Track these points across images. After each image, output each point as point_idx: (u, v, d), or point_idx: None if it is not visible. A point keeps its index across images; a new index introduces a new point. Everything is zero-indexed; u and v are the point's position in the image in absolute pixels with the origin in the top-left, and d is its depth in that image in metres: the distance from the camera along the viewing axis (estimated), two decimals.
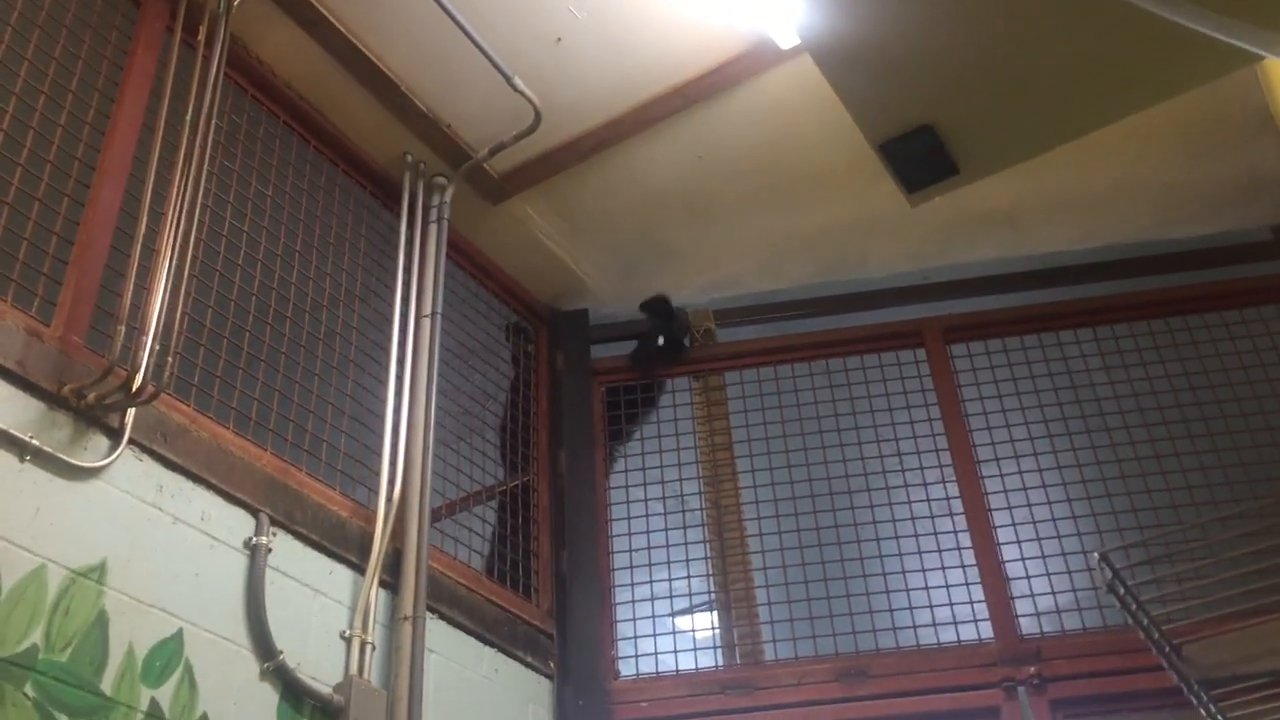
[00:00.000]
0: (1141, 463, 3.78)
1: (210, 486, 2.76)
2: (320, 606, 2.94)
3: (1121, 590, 2.16)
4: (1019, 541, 3.76)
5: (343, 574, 3.06)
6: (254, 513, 2.85)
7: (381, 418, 3.36)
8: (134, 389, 2.49)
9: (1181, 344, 4.00)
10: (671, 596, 3.89)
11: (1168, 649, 2.27)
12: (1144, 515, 3.67)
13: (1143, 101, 1.86)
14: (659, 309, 4.28)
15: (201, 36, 3.06)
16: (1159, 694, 3.30)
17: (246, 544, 2.80)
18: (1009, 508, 3.82)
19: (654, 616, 3.86)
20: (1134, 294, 4.15)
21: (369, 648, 2.99)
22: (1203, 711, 2.37)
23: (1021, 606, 3.64)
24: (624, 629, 3.88)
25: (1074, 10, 1.67)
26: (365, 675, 2.94)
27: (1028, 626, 3.61)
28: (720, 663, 3.80)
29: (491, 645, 3.48)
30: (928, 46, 1.73)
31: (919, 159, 1.93)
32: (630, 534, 4.02)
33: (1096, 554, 2.11)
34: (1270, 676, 2.22)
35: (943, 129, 1.85)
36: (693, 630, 3.91)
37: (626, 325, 4.46)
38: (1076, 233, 4.22)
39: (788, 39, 3.41)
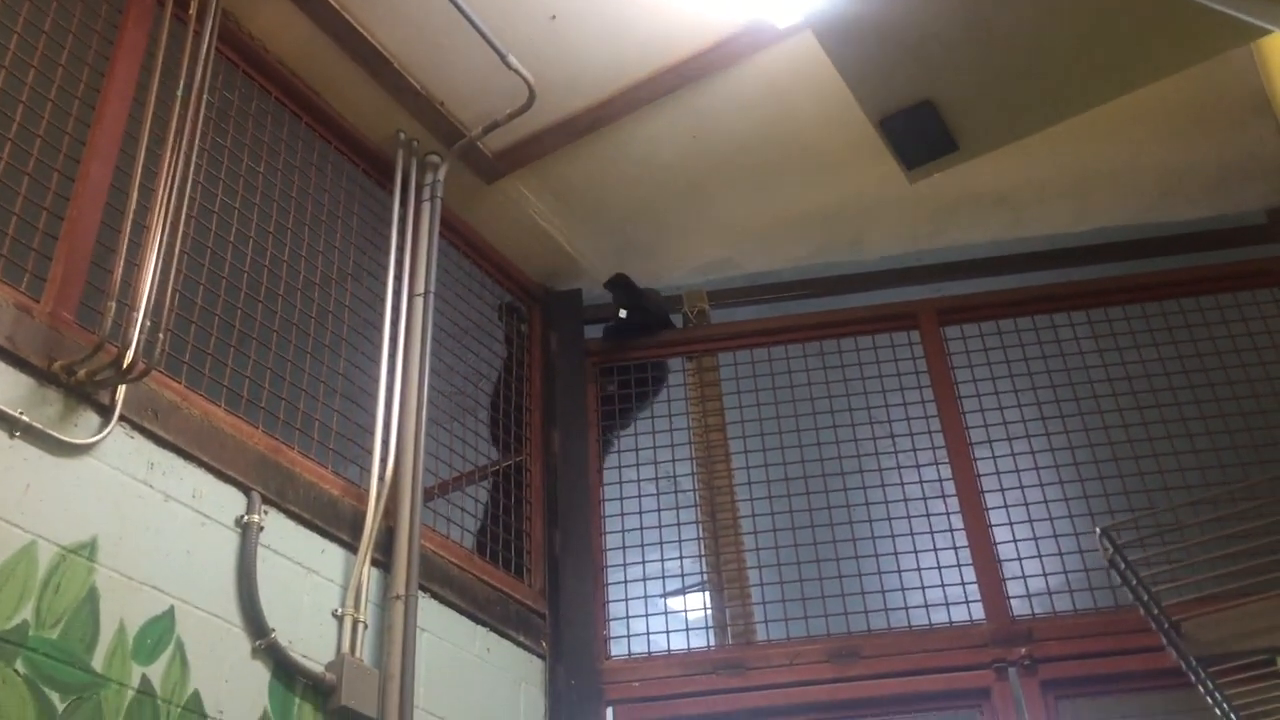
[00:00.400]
0: (1134, 445, 3.78)
1: (201, 464, 2.74)
2: (312, 585, 2.94)
3: (1122, 566, 2.16)
4: (1011, 523, 3.77)
5: (335, 552, 3.05)
6: (246, 491, 2.83)
7: (374, 396, 3.34)
8: (125, 366, 2.48)
9: (1175, 327, 4.00)
10: (664, 577, 3.90)
11: (1167, 625, 2.28)
12: (1136, 498, 3.67)
13: (1147, 77, 1.85)
14: (618, 285, 4.25)
15: (193, 11, 3.04)
16: (1149, 675, 3.32)
17: (238, 522, 2.79)
18: (1001, 489, 3.83)
19: (646, 597, 3.87)
20: (1128, 277, 4.15)
21: (361, 626, 2.98)
22: (1200, 688, 2.38)
23: (1013, 588, 3.65)
24: (616, 609, 3.88)
25: None
26: (357, 654, 2.94)
27: (1019, 608, 3.62)
28: (712, 643, 3.81)
29: (483, 625, 3.48)
30: (929, 20, 1.71)
31: (919, 135, 1.92)
32: (623, 514, 4.02)
33: (1098, 530, 2.11)
34: (1267, 653, 2.22)
35: (943, 104, 1.83)
36: (685, 610, 3.92)
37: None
38: (1071, 215, 4.22)
39: (784, 18, 3.38)
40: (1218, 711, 2.45)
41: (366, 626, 3.00)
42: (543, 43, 3.49)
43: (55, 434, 2.40)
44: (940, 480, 3.87)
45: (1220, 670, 2.31)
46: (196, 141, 2.82)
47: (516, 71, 3.44)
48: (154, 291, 2.58)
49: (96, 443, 2.49)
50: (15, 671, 2.17)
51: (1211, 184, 4.09)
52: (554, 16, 3.42)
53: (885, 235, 4.32)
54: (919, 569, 3.74)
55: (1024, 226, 4.26)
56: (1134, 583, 2.19)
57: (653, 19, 3.44)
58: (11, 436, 2.33)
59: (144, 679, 2.42)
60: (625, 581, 3.90)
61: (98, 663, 2.34)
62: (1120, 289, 4.12)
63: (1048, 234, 4.28)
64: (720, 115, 3.79)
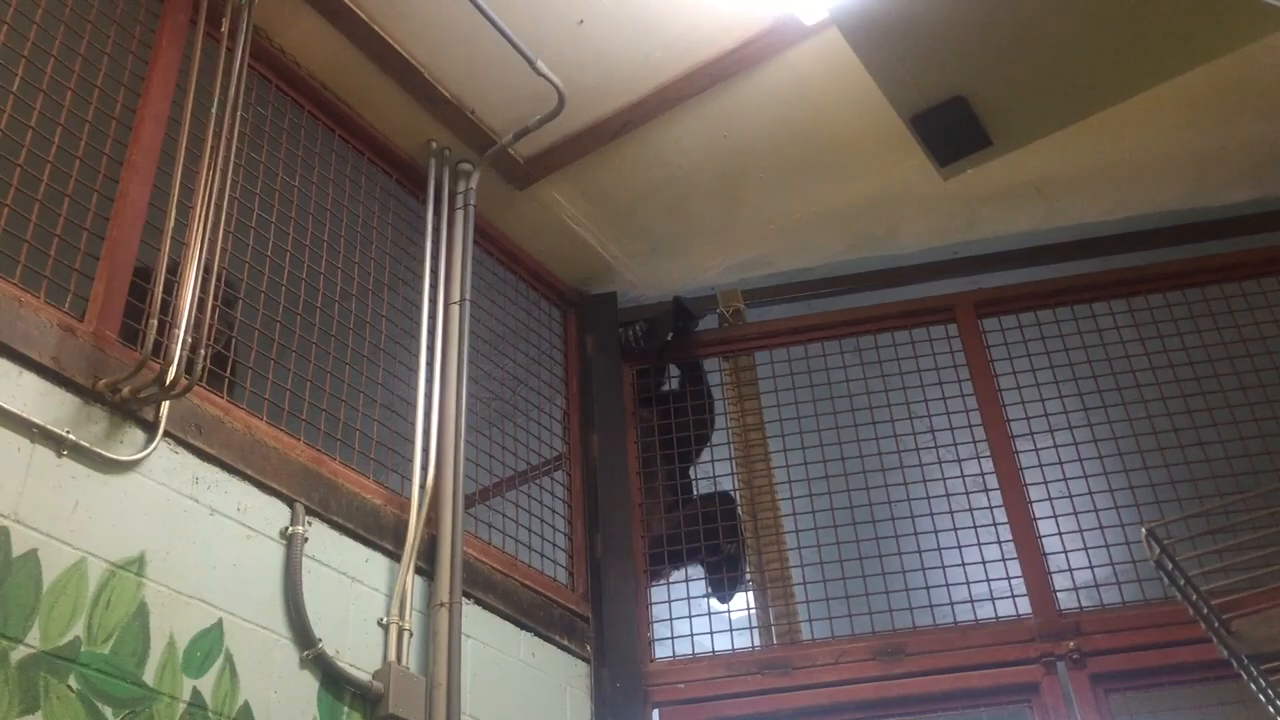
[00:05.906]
0: (1179, 434, 3.74)
1: (245, 477, 2.77)
2: (357, 594, 2.96)
3: (1170, 565, 2.13)
4: (1055, 516, 3.73)
5: (379, 561, 3.07)
6: (289, 502, 2.86)
7: (413, 404, 3.37)
8: (168, 382, 2.50)
9: (1217, 313, 3.94)
10: (707, 577, 3.89)
11: (1217, 624, 2.24)
12: (1183, 487, 3.63)
13: (1181, 66, 1.82)
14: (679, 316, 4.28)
15: (225, 29, 3.06)
16: (1200, 666, 3.28)
17: (283, 534, 2.81)
18: (1045, 482, 3.79)
19: (689, 598, 3.86)
20: (1167, 264, 4.10)
21: (406, 634, 3.00)
22: (1253, 686, 2.34)
23: (1059, 581, 3.61)
24: (659, 611, 3.88)
25: None
26: (404, 662, 2.96)
27: (1066, 601, 3.59)
28: (757, 643, 3.80)
29: (528, 629, 3.49)
30: (958, 14, 1.69)
31: (951, 131, 1.90)
32: (666, 515, 4.01)
33: (1144, 529, 2.08)
34: None
35: (975, 100, 1.81)
36: (729, 611, 3.91)
37: (655, 307, 4.44)
38: (1108, 203, 4.17)
39: (812, 14, 3.37)
40: (1271, 709, 2.42)
41: (412, 634, 3.02)
42: (571, 47, 3.50)
43: (102, 451, 2.43)
44: (982, 474, 3.84)
45: (1272, 667, 2.27)
46: (232, 157, 2.85)
47: (545, 77, 3.45)
48: (194, 307, 2.61)
49: (142, 459, 2.52)
50: (69, 687, 2.20)
51: (1250, 167, 4.03)
52: (581, 21, 3.43)
53: (920, 228, 4.29)
54: (963, 564, 3.71)
55: (1060, 216, 4.21)
56: (1182, 582, 2.16)
57: (680, 20, 3.44)
58: (59, 455, 2.37)
59: (195, 692, 2.44)
60: (668, 583, 3.90)
61: (149, 677, 2.36)
62: (1160, 276, 4.07)
63: (1084, 223, 4.22)
64: (750, 113, 3.78)
